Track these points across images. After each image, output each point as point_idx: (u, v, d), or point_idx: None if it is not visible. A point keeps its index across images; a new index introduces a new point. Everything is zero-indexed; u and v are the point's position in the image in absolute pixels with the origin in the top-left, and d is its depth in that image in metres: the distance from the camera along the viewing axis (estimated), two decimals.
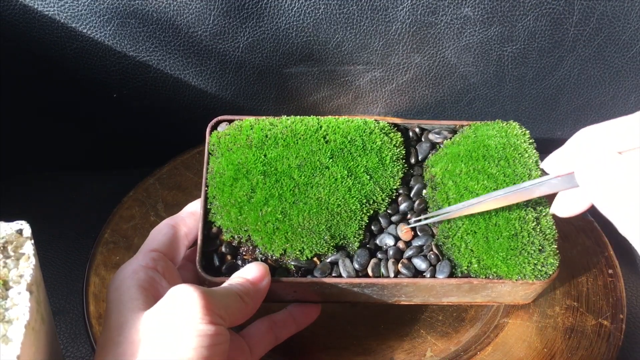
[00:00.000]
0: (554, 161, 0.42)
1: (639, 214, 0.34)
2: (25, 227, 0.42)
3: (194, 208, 0.52)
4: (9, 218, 0.43)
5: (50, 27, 0.62)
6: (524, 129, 0.55)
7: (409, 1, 0.64)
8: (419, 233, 0.52)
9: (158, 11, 0.62)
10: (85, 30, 0.63)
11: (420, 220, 0.52)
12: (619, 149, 0.37)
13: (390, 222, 0.52)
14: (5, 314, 0.38)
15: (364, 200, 0.52)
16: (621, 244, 0.65)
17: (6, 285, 0.40)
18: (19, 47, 0.63)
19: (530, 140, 0.55)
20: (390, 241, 0.51)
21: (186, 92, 0.69)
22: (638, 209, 0.34)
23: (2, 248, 0.41)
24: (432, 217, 0.51)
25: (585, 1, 0.65)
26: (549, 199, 0.48)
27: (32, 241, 0.42)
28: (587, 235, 0.63)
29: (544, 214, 0.51)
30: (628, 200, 0.35)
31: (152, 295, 0.44)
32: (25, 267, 0.41)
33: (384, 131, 0.55)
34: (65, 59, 0.64)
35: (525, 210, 0.51)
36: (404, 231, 0.52)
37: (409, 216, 0.53)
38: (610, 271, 0.60)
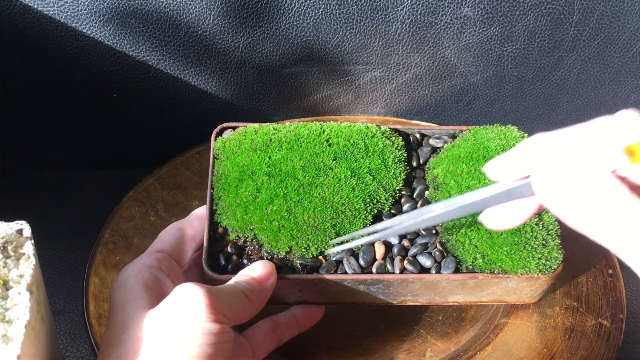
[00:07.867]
0: (498, 166, 0.39)
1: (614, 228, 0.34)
2: (25, 227, 0.42)
3: (201, 212, 0.52)
4: (9, 218, 0.43)
5: (50, 27, 0.62)
6: (522, 132, 0.56)
7: (409, 1, 0.64)
8: (422, 232, 0.52)
9: (158, 11, 0.62)
10: (85, 30, 0.63)
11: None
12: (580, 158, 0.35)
13: None
14: (5, 314, 0.38)
15: (368, 200, 0.52)
16: None
17: (6, 285, 0.40)
18: (19, 47, 0.63)
19: None
20: (394, 240, 0.51)
21: (186, 92, 0.69)
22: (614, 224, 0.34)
23: (2, 248, 0.41)
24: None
25: (585, 1, 0.65)
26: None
27: (32, 241, 0.42)
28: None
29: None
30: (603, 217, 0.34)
31: (156, 294, 0.44)
32: (25, 267, 0.41)
33: (385, 135, 0.56)
34: (65, 59, 0.64)
35: None
36: None
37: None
38: (610, 271, 0.60)
